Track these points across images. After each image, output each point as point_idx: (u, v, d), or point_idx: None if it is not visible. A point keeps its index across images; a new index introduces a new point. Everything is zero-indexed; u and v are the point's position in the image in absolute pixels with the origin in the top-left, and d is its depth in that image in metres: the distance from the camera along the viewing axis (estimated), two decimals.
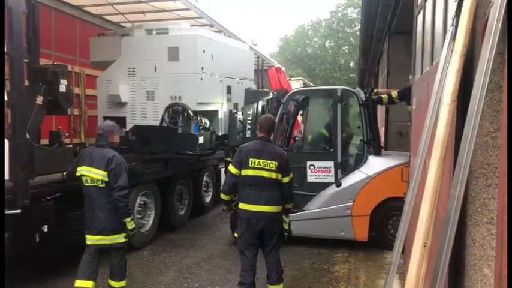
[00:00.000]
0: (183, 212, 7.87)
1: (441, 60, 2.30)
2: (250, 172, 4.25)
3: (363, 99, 6.30)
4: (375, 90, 6.62)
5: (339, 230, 6.12)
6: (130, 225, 4.30)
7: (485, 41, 1.91)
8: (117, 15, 8.98)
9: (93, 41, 7.69)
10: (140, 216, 6.51)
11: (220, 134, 7.44)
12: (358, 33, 44.07)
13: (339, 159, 6.18)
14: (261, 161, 4.25)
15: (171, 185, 7.44)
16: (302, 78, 20.36)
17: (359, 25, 46.46)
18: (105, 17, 9.14)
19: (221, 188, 4.57)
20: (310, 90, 7.53)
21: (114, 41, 7.24)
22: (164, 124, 6.52)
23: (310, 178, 6.23)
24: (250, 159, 4.25)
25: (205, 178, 8.86)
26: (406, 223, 2.42)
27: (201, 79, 6.63)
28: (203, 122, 6.79)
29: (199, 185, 8.55)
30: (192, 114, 6.49)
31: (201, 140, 6.58)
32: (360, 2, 43.63)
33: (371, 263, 5.76)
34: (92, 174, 4.25)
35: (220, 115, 7.35)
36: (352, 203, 6.03)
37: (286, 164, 4.37)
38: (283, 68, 13.35)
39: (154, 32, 6.94)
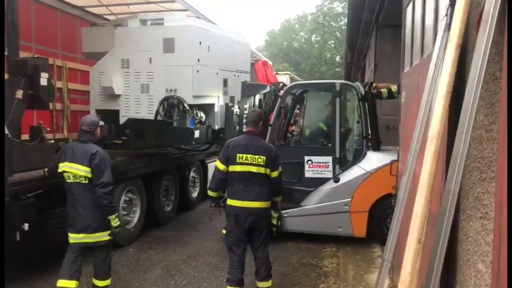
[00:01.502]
0: (169, 208, 7.75)
1: (434, 51, 2.24)
2: (237, 168, 4.17)
3: (362, 93, 6.19)
4: (374, 84, 6.53)
5: (337, 226, 6.05)
6: (115, 222, 4.18)
7: (480, 31, 1.85)
8: (100, 7, 8.78)
9: (85, 32, 7.44)
10: (125, 212, 6.38)
11: (216, 128, 7.29)
12: (344, 27, 44.34)
13: (337, 154, 6.08)
14: (249, 156, 4.17)
15: (157, 181, 7.32)
16: (289, 73, 20.28)
17: (345, 19, 46.39)
18: (88, 9, 8.93)
19: (208, 184, 4.47)
20: (309, 84, 7.42)
21: (107, 31, 7.00)
22: (159, 117, 6.34)
23: (308, 173, 6.14)
24: (238, 155, 4.17)
25: (192, 173, 8.74)
26: (399, 218, 2.37)
27: (197, 71, 6.44)
28: (199, 115, 6.61)
29: (185, 180, 8.44)
30: (187, 108, 6.30)
31: (196, 134, 6.43)
32: None
33: (359, 257, 5.74)
34: (74, 170, 4.12)
35: (216, 109, 7.16)
36: (350, 199, 5.95)
37: (274, 158, 4.31)
38: (270, 62, 13.26)
39: (148, 23, 6.71)
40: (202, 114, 6.66)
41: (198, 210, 8.71)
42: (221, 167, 4.25)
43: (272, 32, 50.83)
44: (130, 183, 6.46)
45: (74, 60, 8.45)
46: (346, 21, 45.86)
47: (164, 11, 8.38)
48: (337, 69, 45.15)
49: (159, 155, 7.37)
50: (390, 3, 7.48)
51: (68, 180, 4.16)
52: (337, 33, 45.52)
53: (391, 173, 5.09)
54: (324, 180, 6.10)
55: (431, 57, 2.95)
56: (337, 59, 46.18)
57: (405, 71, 4.52)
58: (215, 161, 9.65)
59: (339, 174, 6.07)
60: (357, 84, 6.42)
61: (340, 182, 6.04)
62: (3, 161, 3.94)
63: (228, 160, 4.20)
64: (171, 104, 6.33)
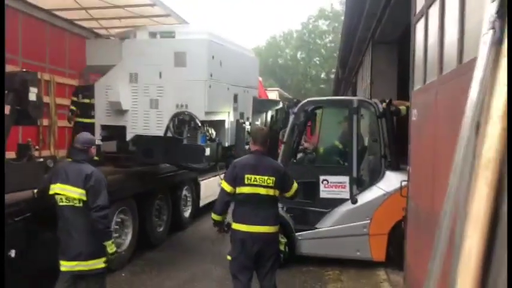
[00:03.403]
0: (161, 229, 7.43)
1: (478, 68, 2.06)
2: (245, 189, 3.92)
3: (381, 110, 5.96)
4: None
5: (355, 250, 5.75)
6: (111, 248, 3.88)
7: None
8: (90, 20, 8.54)
9: (89, 44, 7.13)
10: (117, 234, 6.03)
11: (226, 145, 7.00)
12: (329, 44, 44.99)
13: (354, 174, 5.82)
14: (257, 177, 3.93)
15: (150, 200, 7.01)
16: (278, 89, 20.19)
17: (330, 37, 46.83)
18: (78, 23, 8.67)
19: (214, 207, 4.17)
20: (325, 101, 7.19)
21: (114, 44, 6.71)
22: (169, 134, 6.03)
23: (323, 194, 5.87)
24: (246, 176, 3.92)
25: (184, 192, 8.45)
26: (441, 255, 2.14)
27: (210, 87, 6.12)
28: (209, 132, 6.29)
29: (178, 199, 8.14)
30: (199, 124, 5.99)
31: (207, 151, 6.13)
32: (331, 14, 44.03)
33: (364, 281, 5.51)
34: (67, 192, 3.82)
35: (227, 125, 6.82)
36: (369, 221, 5.67)
37: (284, 178, 4.07)
38: (260, 78, 13.12)
39: (158, 36, 6.43)
40: (212, 131, 6.34)
41: (190, 230, 8.41)
42: (228, 188, 3.98)
43: (258, 49, 51.10)
44: (123, 203, 6.14)
45: (61, 74, 8.16)
46: (330, 38, 46.38)
47: (157, 25, 8.18)
48: (322, 85, 45.52)
49: (153, 173, 7.07)
50: (388, 20, 7.46)
51: (60, 203, 3.86)
52: (322, 50, 46.05)
53: (402, 194, 4.90)
54: (341, 201, 5.82)
55: (462, 74, 2.79)
56: (322, 75, 46.59)
57: (416, 88, 4.38)
58: (208, 179, 9.55)
59: (357, 194, 5.80)
60: (375, 101, 6.18)
61: (358, 203, 5.76)
62: (3, 162, 3.69)
63: (236, 181, 3.95)
64: (182, 120, 6.01)
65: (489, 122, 1.86)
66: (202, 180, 9.16)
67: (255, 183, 3.92)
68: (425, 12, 3.98)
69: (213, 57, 6.18)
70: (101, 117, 6.59)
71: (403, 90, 8.08)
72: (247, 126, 6.71)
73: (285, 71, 47.14)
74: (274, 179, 3.95)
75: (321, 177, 5.87)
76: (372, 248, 5.70)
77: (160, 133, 6.12)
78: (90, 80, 7.85)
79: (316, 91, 44.55)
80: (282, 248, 4.16)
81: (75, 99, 7.79)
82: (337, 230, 5.76)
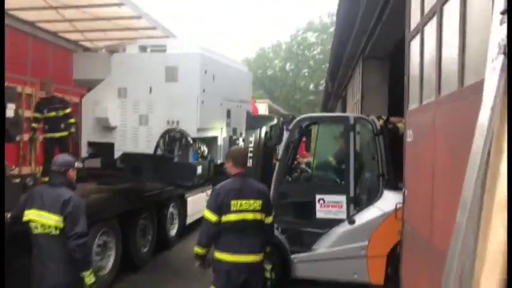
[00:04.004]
0: (146, 249, 7.13)
1: (488, 91, 1.89)
2: (232, 217, 3.69)
3: (378, 128, 5.75)
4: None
5: (352, 273, 5.48)
6: (90, 279, 3.61)
7: None
8: (75, 33, 8.33)
9: (77, 57, 6.90)
10: (99, 257, 5.74)
11: (219, 162, 6.76)
12: (318, 56, 45.27)
13: (351, 193, 5.59)
14: (243, 201, 3.71)
15: (134, 220, 6.72)
16: (267, 101, 20.09)
17: (318, 49, 47.14)
18: (62, 35, 8.46)
19: (198, 239, 3.85)
20: (320, 117, 6.99)
21: (102, 57, 6.48)
22: (159, 152, 5.78)
23: (320, 213, 5.61)
24: (232, 202, 3.68)
25: (170, 210, 8.18)
26: None
27: (203, 102, 5.94)
28: (201, 149, 6.08)
29: (164, 218, 7.86)
30: (191, 141, 5.79)
31: (199, 170, 5.88)
32: (320, 26, 44.39)
33: None
34: (43, 219, 3.56)
35: (219, 141, 6.65)
36: (367, 243, 5.43)
37: (270, 201, 3.88)
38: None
39: (148, 50, 6.23)
40: (205, 148, 6.12)
41: (176, 249, 8.12)
42: (213, 218, 3.70)
43: (247, 60, 51.16)
44: (105, 224, 5.85)
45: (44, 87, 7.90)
46: (319, 50, 46.66)
47: (143, 38, 7.99)
48: (311, 97, 45.68)
49: (138, 191, 6.81)
50: (379, 36, 7.37)
51: (35, 231, 3.59)
52: (311, 62, 46.24)
53: (397, 216, 4.71)
54: (337, 222, 5.58)
55: (464, 98, 2.63)
56: (310, 87, 46.74)
57: (411, 108, 4.23)
58: (194, 195, 9.29)
59: (354, 215, 5.57)
60: (372, 117, 5.99)
61: (356, 224, 5.52)
62: (3, 164, 3.59)
63: (221, 209, 3.69)
64: (172, 138, 5.80)
65: (501, 154, 1.69)
66: (189, 196, 8.92)
67: (242, 208, 3.69)
68: (420, 30, 3.84)
69: (205, 71, 6.00)
70: (88, 134, 6.31)
71: (395, 106, 8.00)
72: (241, 143, 6.50)
73: (274, 82, 47.21)
74: (261, 202, 3.75)
75: (317, 196, 5.64)
76: (369, 271, 5.45)
77: (150, 151, 5.91)
78: (52, 91, 7.47)
79: (305, 102, 44.70)
80: (268, 275, 3.92)
81: (38, 115, 7.25)
82: (334, 252, 5.51)
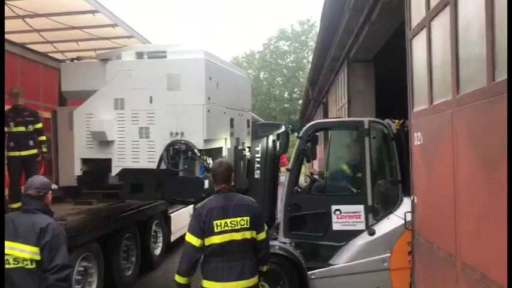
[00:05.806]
0: (130, 272, 6.69)
1: None
2: (216, 239, 3.30)
3: (394, 132, 5.43)
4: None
5: (375, 287, 5.15)
6: None
7: None
8: (44, 44, 7.84)
9: (65, 67, 6.33)
10: (80, 286, 5.25)
11: None
12: (290, 64, 45.40)
13: (369, 202, 5.25)
14: (228, 221, 3.34)
15: (116, 241, 6.25)
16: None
17: (291, 57, 47.19)
18: (30, 46, 7.95)
19: (178, 267, 3.43)
20: (333, 122, 6.61)
21: (94, 66, 5.93)
22: (163, 166, 5.31)
23: (336, 225, 5.25)
24: (215, 222, 3.30)
25: (154, 228, 7.73)
26: None
27: (209, 111, 5.48)
28: (207, 162, 5.60)
29: (148, 236, 7.40)
30: (197, 154, 5.33)
31: (206, 184, 5.41)
32: (291, 35, 44.57)
33: None
34: (16, 252, 3.09)
35: (224, 152, 6.13)
36: (389, 255, 5.07)
37: (258, 216, 3.51)
38: None
39: (146, 56, 5.73)
40: (210, 161, 5.64)
41: (161, 269, 7.73)
42: (196, 242, 3.32)
43: None
44: (85, 248, 5.38)
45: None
46: (292, 58, 46.79)
47: (118, 47, 7.55)
48: (286, 105, 45.78)
49: (119, 209, 6.34)
50: (367, 37, 7.15)
51: (7, 266, 3.11)
52: (284, 70, 46.37)
53: (406, 227, 4.41)
54: (356, 233, 5.23)
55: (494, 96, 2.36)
56: (285, 95, 46.85)
57: (418, 109, 3.96)
58: (178, 210, 8.81)
59: (373, 225, 5.22)
60: (388, 121, 5.63)
61: (376, 235, 5.16)
62: (3, 164, 3.28)
63: (204, 232, 3.31)
64: (177, 150, 5.33)
65: None
66: (172, 212, 8.49)
67: (227, 229, 3.32)
68: (427, 25, 3.58)
69: (210, 78, 5.54)
70: (81, 150, 5.75)
71: (382, 109, 7.79)
72: (247, 154, 6.04)
73: None
74: (248, 218, 3.38)
75: (333, 207, 5.28)
76: (393, 284, 5.10)
77: (153, 165, 5.39)
78: (22, 102, 6.69)
79: (280, 110, 44.74)
80: None
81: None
82: (354, 266, 5.16)
